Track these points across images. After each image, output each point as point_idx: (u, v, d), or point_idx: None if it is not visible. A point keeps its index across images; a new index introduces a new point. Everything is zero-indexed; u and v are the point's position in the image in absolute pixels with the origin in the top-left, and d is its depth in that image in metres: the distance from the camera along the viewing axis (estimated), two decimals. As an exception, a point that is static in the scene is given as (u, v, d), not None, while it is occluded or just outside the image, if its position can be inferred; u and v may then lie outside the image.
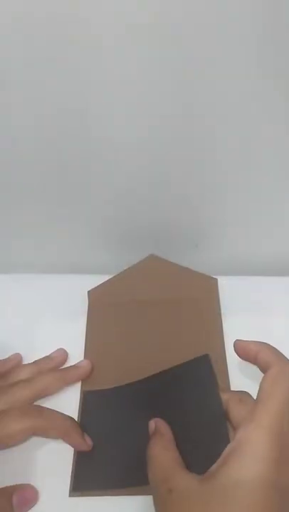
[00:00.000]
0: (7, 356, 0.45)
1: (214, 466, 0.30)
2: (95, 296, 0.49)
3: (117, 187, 0.47)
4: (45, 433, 0.38)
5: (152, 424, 0.36)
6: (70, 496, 0.37)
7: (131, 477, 0.37)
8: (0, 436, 0.36)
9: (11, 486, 0.36)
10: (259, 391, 0.32)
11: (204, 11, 0.35)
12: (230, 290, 0.52)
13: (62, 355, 0.45)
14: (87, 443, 0.38)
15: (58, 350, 0.45)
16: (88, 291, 0.49)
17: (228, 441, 0.33)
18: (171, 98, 0.40)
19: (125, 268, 0.52)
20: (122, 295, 0.49)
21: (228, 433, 0.34)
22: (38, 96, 0.39)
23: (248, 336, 0.46)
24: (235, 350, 0.37)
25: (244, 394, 0.36)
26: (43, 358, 0.44)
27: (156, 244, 0.53)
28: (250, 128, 0.42)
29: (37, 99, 0.40)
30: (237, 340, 0.37)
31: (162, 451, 0.33)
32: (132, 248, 0.53)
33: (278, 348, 0.46)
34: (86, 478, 0.38)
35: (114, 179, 0.46)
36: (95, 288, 0.50)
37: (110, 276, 0.53)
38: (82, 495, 0.37)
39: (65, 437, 0.38)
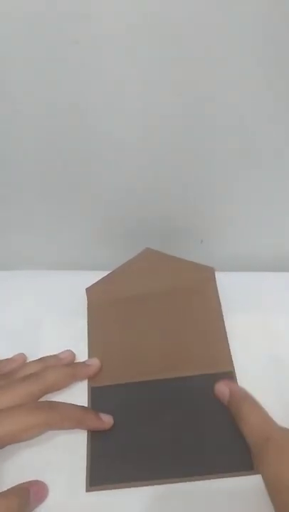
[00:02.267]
0: (10, 355, 0.45)
1: None
2: (93, 294, 0.49)
3: (118, 185, 0.47)
4: (59, 426, 0.39)
5: (225, 388, 0.39)
6: (87, 491, 0.38)
7: (145, 470, 0.38)
8: (14, 430, 0.37)
9: (26, 483, 0.37)
10: None
11: (204, 11, 0.34)
12: (235, 285, 0.52)
13: (70, 356, 0.45)
14: (105, 422, 0.40)
15: (66, 351, 0.45)
16: (86, 289, 0.49)
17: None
18: (171, 98, 0.40)
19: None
20: (121, 290, 0.49)
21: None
22: (38, 96, 0.39)
23: (251, 331, 0.47)
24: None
25: None
26: (50, 356, 0.45)
27: (160, 241, 0.53)
28: (251, 127, 0.42)
29: (37, 99, 0.40)
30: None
31: (252, 408, 0.37)
32: (134, 245, 0.53)
33: (281, 344, 0.46)
34: (102, 472, 0.38)
35: (115, 177, 0.46)
36: (93, 285, 0.49)
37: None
38: (99, 489, 0.38)
39: (81, 425, 0.40)
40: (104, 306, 0.48)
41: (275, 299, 0.50)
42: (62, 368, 0.43)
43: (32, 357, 0.45)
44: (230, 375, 0.42)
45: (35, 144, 0.43)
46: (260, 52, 0.37)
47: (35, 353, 0.45)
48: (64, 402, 0.40)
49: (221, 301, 0.50)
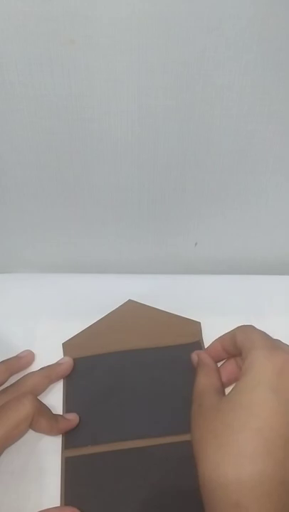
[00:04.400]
0: (8, 356, 0.45)
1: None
2: (70, 349, 0.46)
3: (116, 186, 0.47)
4: (42, 413, 0.39)
5: (195, 356, 0.43)
6: (63, 455, 0.39)
7: (117, 433, 0.40)
8: (6, 431, 0.36)
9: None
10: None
11: (204, 11, 0.35)
12: (229, 289, 0.52)
13: (30, 354, 0.45)
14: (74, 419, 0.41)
15: (25, 351, 0.45)
16: (63, 344, 0.46)
17: None
18: (170, 99, 0.40)
19: (123, 267, 0.52)
20: (99, 347, 0.46)
21: None
22: (36, 96, 0.39)
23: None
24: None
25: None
26: (11, 358, 0.45)
27: (156, 242, 0.53)
28: (251, 128, 0.43)
29: (35, 100, 0.40)
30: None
31: (204, 377, 0.40)
32: (132, 247, 0.53)
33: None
34: (76, 437, 0.40)
35: (114, 178, 0.46)
36: (70, 339, 0.47)
37: (110, 275, 0.53)
38: (74, 453, 0.39)
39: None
40: (81, 362, 0.45)
41: (271, 303, 0.51)
42: (38, 373, 0.43)
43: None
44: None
45: (33, 144, 0.43)
46: (258, 53, 0.37)
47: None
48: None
49: (216, 304, 0.50)
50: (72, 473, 0.38)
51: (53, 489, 0.37)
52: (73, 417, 0.41)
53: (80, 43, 0.36)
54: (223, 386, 0.40)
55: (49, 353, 0.45)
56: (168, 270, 0.54)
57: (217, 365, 0.42)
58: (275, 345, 0.36)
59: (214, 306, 0.49)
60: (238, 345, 0.39)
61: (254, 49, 0.37)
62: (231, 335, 0.41)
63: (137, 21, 0.35)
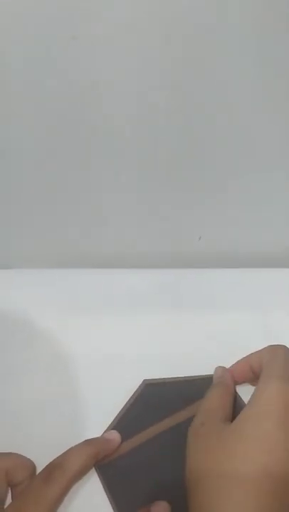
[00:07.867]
0: (8, 352, 0.45)
1: None
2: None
3: (117, 184, 0.47)
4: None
5: (219, 371, 0.41)
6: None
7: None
8: None
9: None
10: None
11: (204, 11, 0.35)
12: (234, 282, 0.52)
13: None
14: (113, 440, 0.39)
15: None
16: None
17: None
18: (172, 97, 0.40)
19: (126, 261, 0.52)
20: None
21: None
22: (37, 92, 0.39)
23: (250, 327, 0.47)
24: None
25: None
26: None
27: (159, 237, 0.53)
28: (250, 126, 0.43)
29: (36, 96, 0.40)
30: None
31: (217, 397, 0.38)
32: (134, 242, 0.53)
33: (279, 341, 0.46)
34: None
35: (115, 176, 0.46)
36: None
37: (113, 270, 0.53)
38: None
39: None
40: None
41: (273, 296, 0.50)
42: (84, 451, 0.37)
43: (30, 356, 0.45)
44: None
45: (34, 143, 0.43)
46: (259, 52, 0.37)
47: (33, 352, 0.46)
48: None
49: (220, 298, 0.49)
50: (112, 479, 0.38)
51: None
52: (114, 437, 0.39)
53: (81, 40, 0.36)
54: (232, 415, 0.37)
55: (52, 350, 0.46)
56: (171, 265, 0.54)
57: (235, 391, 0.40)
58: None
59: (218, 301, 0.49)
60: (262, 366, 0.37)
61: (255, 48, 0.37)
62: (259, 354, 0.39)
63: (137, 21, 0.35)
